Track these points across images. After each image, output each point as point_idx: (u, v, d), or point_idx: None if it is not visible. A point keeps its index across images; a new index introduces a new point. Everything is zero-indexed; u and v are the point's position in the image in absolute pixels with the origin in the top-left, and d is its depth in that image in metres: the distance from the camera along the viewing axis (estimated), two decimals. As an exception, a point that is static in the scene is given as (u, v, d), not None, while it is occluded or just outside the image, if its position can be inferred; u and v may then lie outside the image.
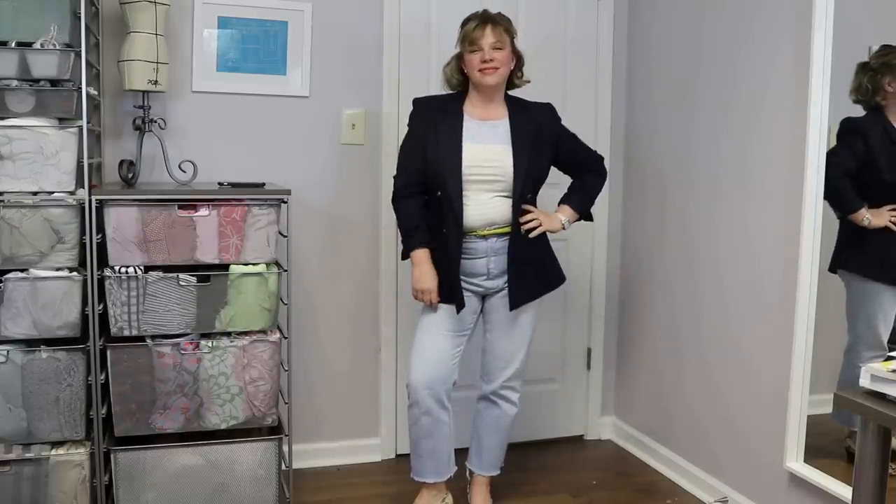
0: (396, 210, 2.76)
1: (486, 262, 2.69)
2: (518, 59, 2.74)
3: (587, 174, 2.88)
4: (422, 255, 2.69)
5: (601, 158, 2.90)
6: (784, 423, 2.66)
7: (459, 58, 2.72)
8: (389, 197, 2.79)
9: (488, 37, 2.60)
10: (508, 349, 2.80)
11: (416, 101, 2.77)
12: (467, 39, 2.63)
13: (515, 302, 2.72)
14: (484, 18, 2.64)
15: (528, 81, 2.80)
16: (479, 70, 2.62)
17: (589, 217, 2.91)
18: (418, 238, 2.70)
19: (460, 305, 2.69)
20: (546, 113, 2.79)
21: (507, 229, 2.68)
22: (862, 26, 2.54)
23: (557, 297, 3.57)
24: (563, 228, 2.82)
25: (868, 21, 2.55)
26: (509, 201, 2.67)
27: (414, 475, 2.81)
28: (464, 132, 2.66)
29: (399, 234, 2.84)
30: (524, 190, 2.67)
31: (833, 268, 2.58)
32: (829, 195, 2.53)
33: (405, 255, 2.74)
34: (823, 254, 2.56)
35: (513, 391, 2.86)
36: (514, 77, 2.75)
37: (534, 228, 2.70)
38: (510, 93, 2.79)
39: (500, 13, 2.70)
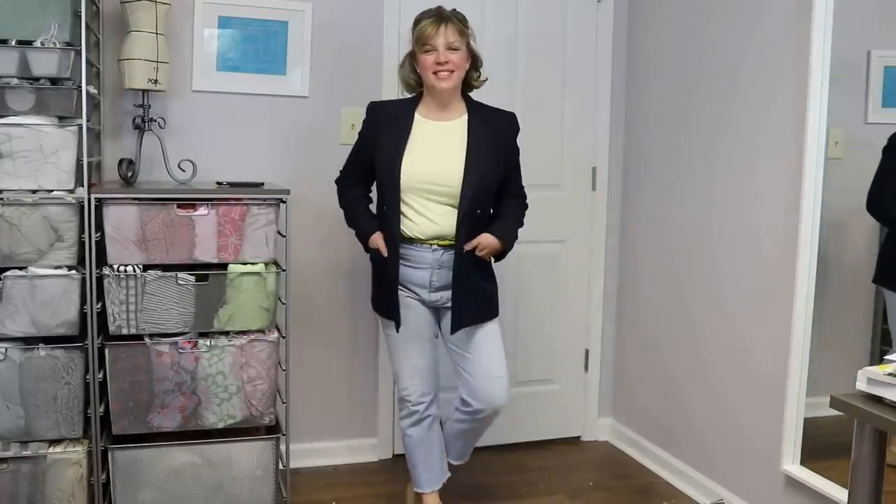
0: (340, 203, 2.74)
1: (429, 273, 2.54)
2: (474, 59, 2.57)
3: (514, 200, 2.67)
4: (377, 237, 2.58)
5: (524, 194, 2.72)
6: (781, 425, 2.67)
7: (412, 57, 2.56)
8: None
9: (443, 36, 2.44)
10: (492, 360, 2.60)
11: (369, 106, 2.65)
12: (421, 39, 2.46)
13: (457, 324, 2.55)
14: (439, 17, 2.46)
15: (486, 80, 2.64)
16: (434, 73, 2.46)
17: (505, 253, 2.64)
18: (366, 224, 2.62)
19: (397, 322, 2.57)
20: (508, 122, 2.61)
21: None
22: (861, 29, 2.54)
23: (555, 297, 3.60)
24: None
25: (868, 25, 2.55)
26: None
27: (415, 488, 2.76)
28: (413, 137, 2.52)
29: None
30: (472, 202, 2.48)
31: (877, 280, 2.50)
32: (881, 210, 2.45)
33: (366, 247, 2.64)
34: (821, 258, 2.56)
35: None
36: (471, 78, 2.59)
37: (475, 247, 2.50)
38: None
39: (454, 10, 2.53)
